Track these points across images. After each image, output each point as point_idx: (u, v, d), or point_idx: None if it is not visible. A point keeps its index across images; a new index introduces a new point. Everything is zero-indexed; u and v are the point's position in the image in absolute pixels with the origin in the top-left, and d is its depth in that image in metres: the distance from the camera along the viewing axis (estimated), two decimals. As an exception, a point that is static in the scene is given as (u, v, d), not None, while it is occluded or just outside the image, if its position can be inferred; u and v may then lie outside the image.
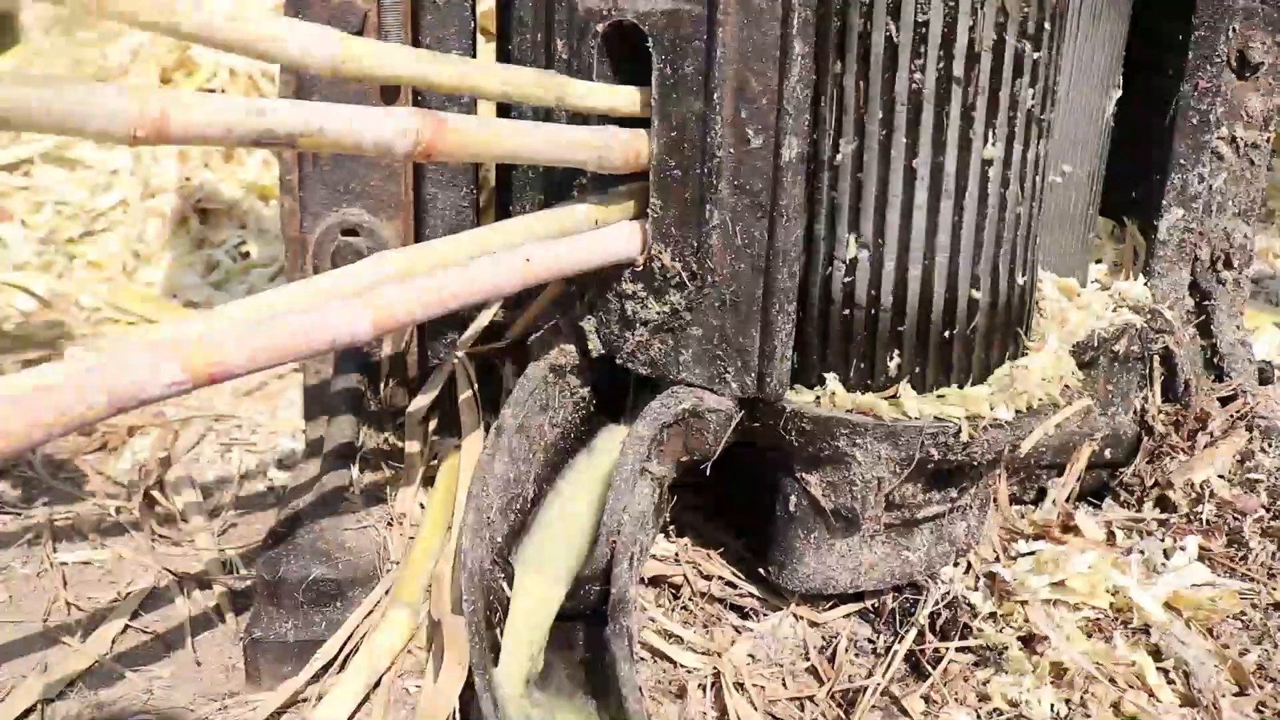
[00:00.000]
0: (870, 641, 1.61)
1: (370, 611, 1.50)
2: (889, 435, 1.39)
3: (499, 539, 1.40)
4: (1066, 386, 1.54)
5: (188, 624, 1.66)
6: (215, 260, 3.06)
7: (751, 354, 1.40)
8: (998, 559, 1.74)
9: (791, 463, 1.48)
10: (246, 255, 3.09)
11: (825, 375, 1.44)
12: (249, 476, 2.11)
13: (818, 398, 1.44)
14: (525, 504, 1.47)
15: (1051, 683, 1.55)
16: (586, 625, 1.39)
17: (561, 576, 1.38)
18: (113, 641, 1.63)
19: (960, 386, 1.45)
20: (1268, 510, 1.84)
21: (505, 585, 1.38)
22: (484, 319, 1.73)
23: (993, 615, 1.64)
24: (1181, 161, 1.96)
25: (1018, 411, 1.44)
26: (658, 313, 1.43)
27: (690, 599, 1.62)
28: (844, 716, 1.46)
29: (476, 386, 1.68)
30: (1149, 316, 1.93)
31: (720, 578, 1.65)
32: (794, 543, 1.52)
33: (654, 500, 1.41)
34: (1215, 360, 2.08)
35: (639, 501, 1.37)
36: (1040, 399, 1.47)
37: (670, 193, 1.40)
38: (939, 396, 1.43)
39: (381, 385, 1.80)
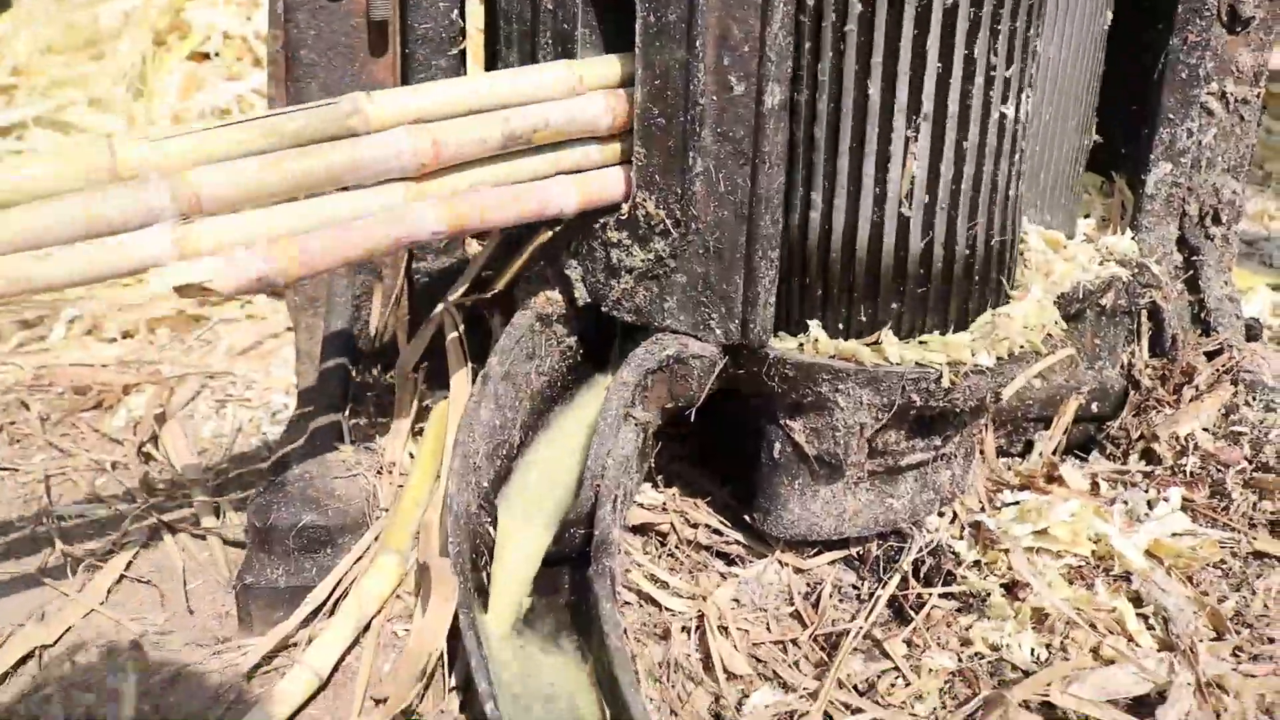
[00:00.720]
0: (854, 588, 1.63)
1: (360, 558, 1.52)
2: (871, 381, 1.41)
3: (485, 484, 1.41)
4: (1049, 335, 1.55)
5: (181, 573, 1.68)
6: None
7: (735, 301, 1.41)
8: (983, 509, 1.76)
9: (775, 409, 1.49)
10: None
11: (809, 322, 1.45)
12: (243, 431, 2.13)
13: (801, 344, 1.45)
14: (511, 450, 1.49)
15: (1032, 628, 1.57)
16: (571, 568, 1.40)
17: (547, 521, 1.40)
18: (108, 591, 1.65)
19: (942, 334, 1.46)
20: (1250, 462, 1.86)
21: (491, 529, 1.40)
22: (472, 269, 1.74)
23: (976, 563, 1.66)
24: (1170, 116, 1.96)
25: (999, 358, 1.45)
26: (642, 260, 1.44)
27: (677, 546, 1.64)
28: (826, 659, 1.48)
29: (464, 337, 1.70)
30: (1135, 270, 1.94)
31: (707, 525, 1.67)
32: (778, 489, 1.54)
33: (638, 445, 1.43)
34: (1202, 315, 2.09)
35: (623, 446, 1.39)
36: (1022, 346, 1.48)
37: (654, 141, 1.40)
38: (921, 343, 1.45)
39: (372, 337, 1.82)
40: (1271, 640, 1.61)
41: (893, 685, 1.46)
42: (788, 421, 1.48)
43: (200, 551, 1.75)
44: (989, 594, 1.60)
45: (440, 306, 1.73)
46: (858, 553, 1.66)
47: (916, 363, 1.41)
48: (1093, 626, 1.58)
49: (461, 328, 1.71)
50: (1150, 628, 1.60)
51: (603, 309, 1.52)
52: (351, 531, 1.54)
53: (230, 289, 1.11)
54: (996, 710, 1.32)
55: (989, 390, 1.46)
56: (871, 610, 1.53)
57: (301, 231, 1.17)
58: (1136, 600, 1.63)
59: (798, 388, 1.43)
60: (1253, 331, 2.27)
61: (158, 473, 1.97)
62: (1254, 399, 1.95)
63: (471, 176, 1.35)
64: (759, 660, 1.46)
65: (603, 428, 1.38)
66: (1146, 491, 1.85)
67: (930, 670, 1.49)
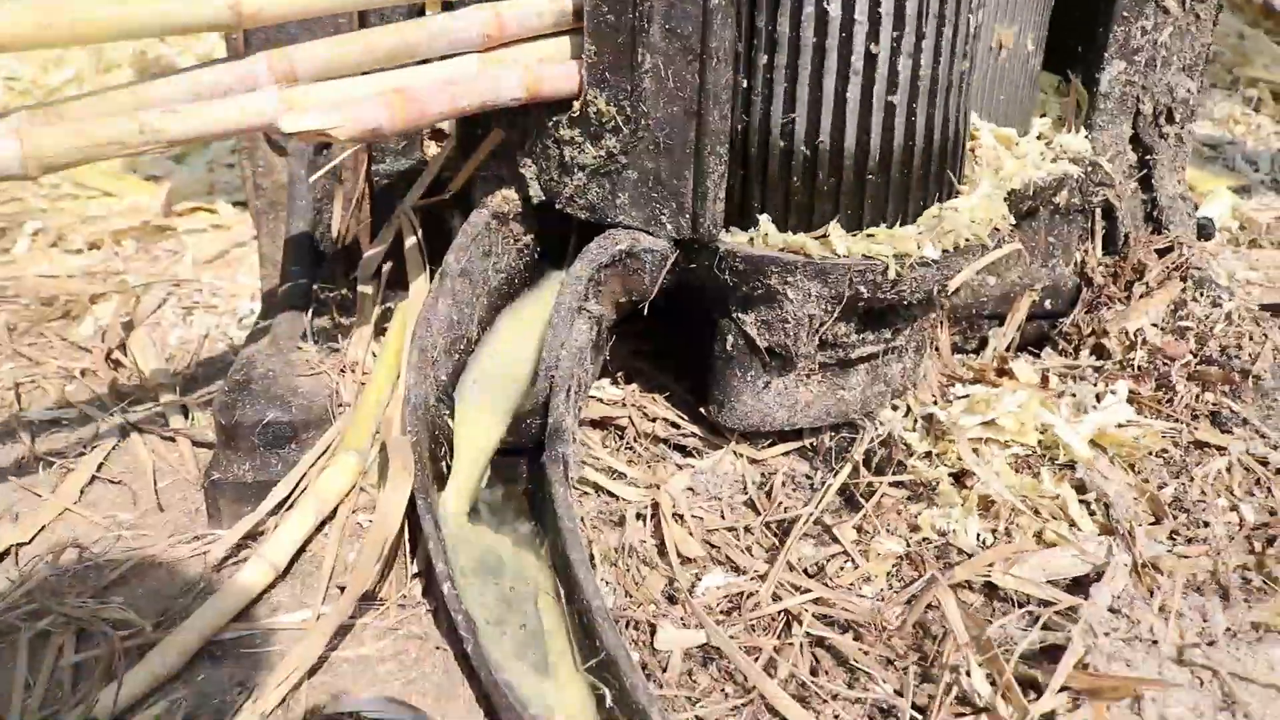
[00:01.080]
0: (807, 477, 1.68)
1: (323, 453, 1.56)
2: (819, 273, 1.44)
3: (443, 377, 1.45)
4: (996, 229, 1.58)
5: (151, 473, 1.72)
6: (175, 133, 3.04)
7: (685, 196, 1.43)
8: (935, 402, 1.80)
9: (728, 303, 1.52)
10: (206, 128, 3.08)
11: (759, 217, 1.48)
12: (210, 337, 2.16)
13: (751, 238, 1.48)
14: (469, 344, 1.52)
15: (979, 514, 1.63)
16: (528, 458, 1.44)
17: (504, 411, 1.44)
18: (81, 491, 1.68)
19: (890, 227, 1.49)
20: (1195, 355, 1.91)
21: (449, 421, 1.44)
22: (430, 171, 1.76)
23: (927, 454, 1.71)
24: (1125, 14, 1.97)
25: (945, 251, 1.48)
26: (594, 157, 1.46)
27: (635, 440, 1.68)
28: (778, 544, 1.53)
29: (424, 238, 1.72)
30: (1089, 169, 1.97)
31: (664, 419, 1.71)
32: (732, 382, 1.58)
33: (591, 337, 1.46)
34: (1155, 213, 2.13)
35: (576, 338, 1.42)
36: (968, 239, 1.51)
37: (604, 38, 1.41)
38: (868, 236, 1.47)
39: (334, 240, 1.83)
40: (1207, 524, 1.67)
41: (841, 568, 1.51)
42: (739, 315, 1.51)
43: (169, 452, 1.78)
44: (938, 482, 1.65)
45: (399, 209, 1.75)
46: (811, 444, 1.71)
47: (863, 255, 1.44)
48: (1036, 512, 1.63)
49: (420, 230, 1.73)
50: (1092, 513, 1.66)
51: (557, 206, 1.54)
52: (315, 428, 1.57)
53: (348, 135, 1.26)
54: (932, 589, 1.37)
55: (935, 282, 1.50)
56: (822, 498, 1.58)
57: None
58: (1080, 488, 1.69)
59: (748, 281, 1.46)
60: (1205, 230, 2.31)
61: (126, 378, 2.00)
62: (1201, 295, 1.99)
63: (528, 51, 1.46)
64: (712, 546, 1.51)
65: (556, 321, 1.41)
66: (1095, 385, 1.90)
67: (878, 554, 1.54)
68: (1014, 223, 1.74)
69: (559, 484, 1.30)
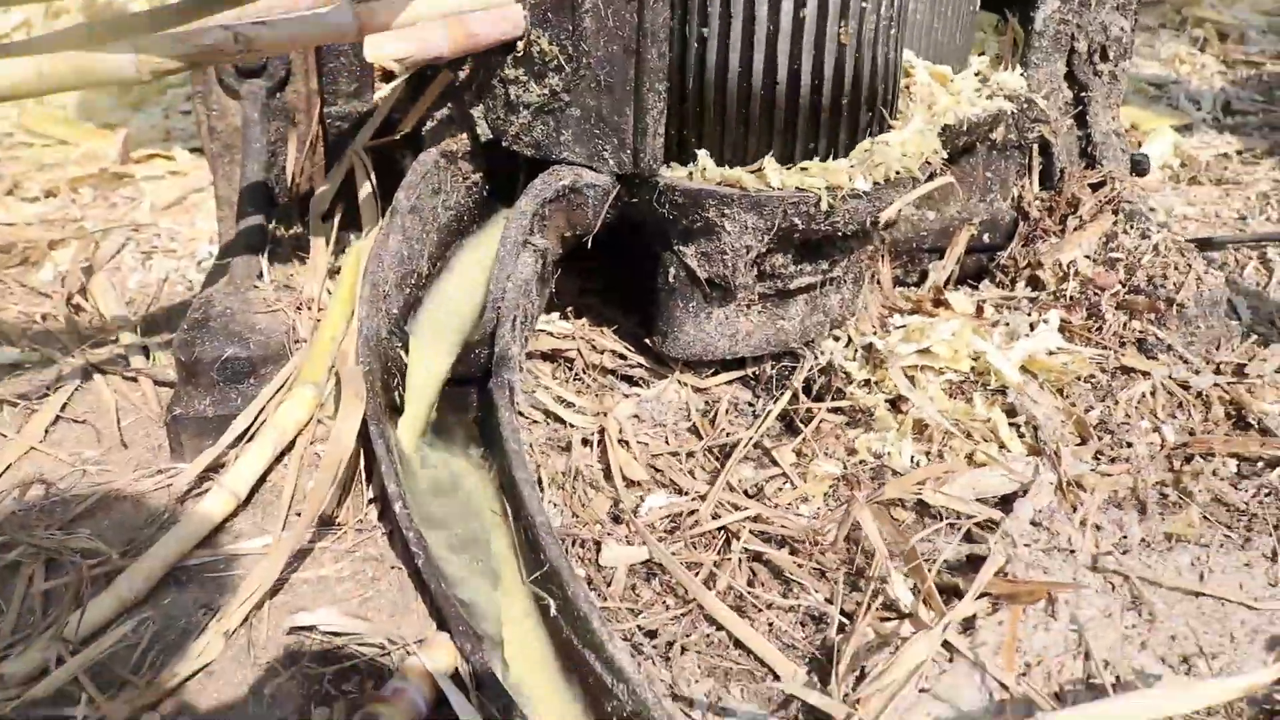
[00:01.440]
0: (749, 405, 1.75)
1: (281, 386, 1.61)
2: (754, 206, 1.50)
3: (394, 310, 1.50)
4: (928, 163, 1.64)
5: (115, 411, 1.76)
6: (130, 80, 3.05)
7: (626, 132, 1.49)
8: (875, 333, 1.87)
9: (669, 237, 1.58)
10: (161, 75, 3.09)
11: (698, 152, 1.53)
12: (169, 281, 2.19)
13: (690, 173, 1.54)
14: (420, 279, 1.57)
15: (913, 438, 1.70)
16: (478, 388, 1.50)
17: (454, 343, 1.49)
18: (45, 431, 1.73)
19: (823, 160, 1.55)
20: (1124, 285, 1.98)
21: (401, 353, 1.49)
22: (381, 113, 1.80)
23: (866, 382, 1.78)
24: (1059, -47, 2.02)
25: (876, 183, 1.54)
26: (538, 95, 1.51)
27: (583, 371, 1.75)
28: (720, 468, 1.60)
29: (375, 179, 1.76)
30: (1024, 105, 2.03)
31: (612, 351, 1.78)
32: (675, 312, 1.64)
33: (537, 270, 1.51)
34: (1089, 149, 2.20)
35: (522, 270, 1.48)
36: (898, 172, 1.57)
37: (546, -22, 1.46)
38: (801, 169, 1.53)
39: (289, 182, 1.87)
40: (1130, 444, 1.75)
41: (780, 489, 1.59)
42: (680, 247, 1.57)
43: (132, 392, 1.82)
44: (875, 408, 1.72)
45: (351, 150, 1.79)
46: (753, 373, 1.77)
47: (797, 188, 1.50)
48: (968, 435, 1.71)
49: (371, 170, 1.77)
50: (1021, 436, 1.74)
51: (504, 144, 1.59)
52: (273, 362, 1.62)
53: (413, 61, 1.39)
54: (855, 506, 1.45)
55: (868, 214, 1.56)
56: (762, 423, 1.65)
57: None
58: (1010, 411, 1.77)
59: (687, 214, 1.52)
60: (1140, 166, 2.38)
61: (87, 322, 2.04)
62: (1131, 227, 2.06)
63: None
64: (656, 469, 1.58)
65: (503, 254, 1.47)
66: (1029, 315, 1.98)
67: (816, 476, 1.62)
68: (948, 157, 1.81)
69: (505, 408, 1.36)
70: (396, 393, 1.47)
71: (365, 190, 1.74)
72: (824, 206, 1.50)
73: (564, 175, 1.51)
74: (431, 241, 1.58)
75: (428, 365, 1.47)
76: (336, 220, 1.82)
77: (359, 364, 1.39)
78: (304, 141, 1.86)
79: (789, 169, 1.53)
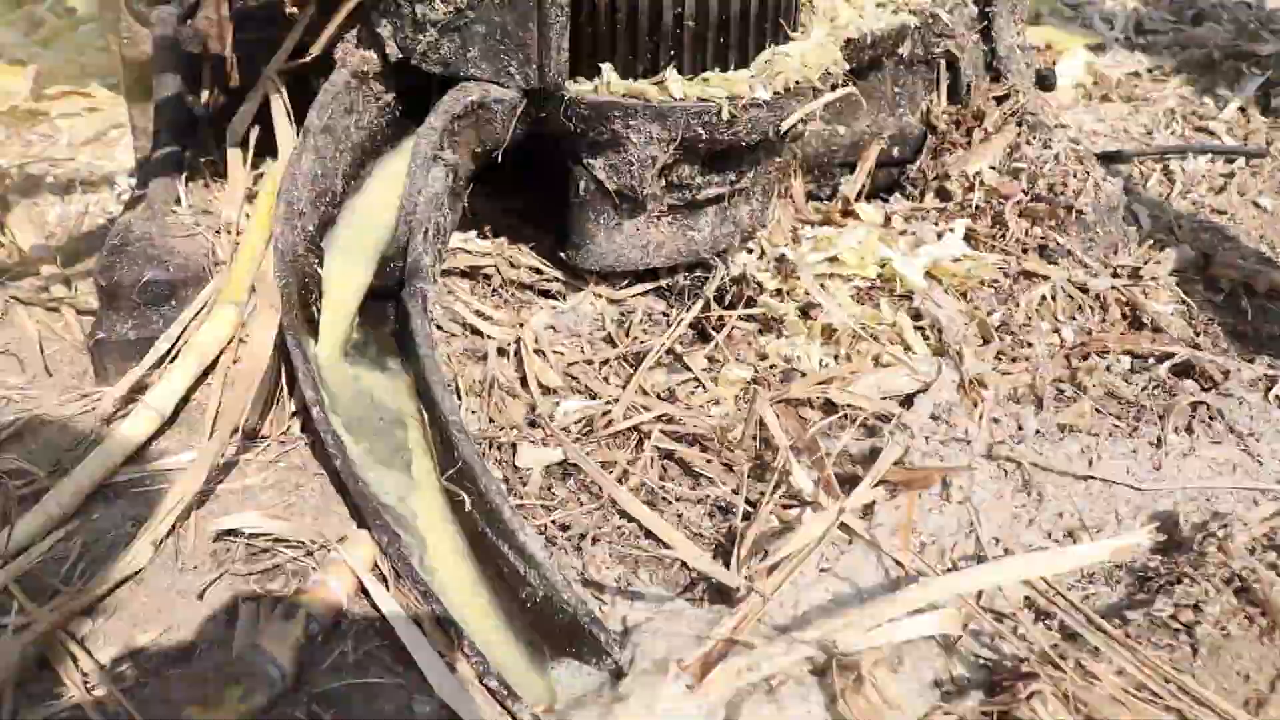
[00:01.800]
0: (664, 314, 1.80)
1: (202, 308, 1.63)
2: (658, 116, 1.54)
3: (310, 228, 1.53)
4: (829, 73, 1.68)
5: (38, 341, 1.78)
6: (39, 17, 3.01)
7: (531, 47, 1.52)
8: (787, 245, 1.93)
9: (578, 151, 1.62)
10: (72, 11, 3.05)
11: (602, 66, 1.57)
12: (89, 213, 2.19)
13: (595, 86, 1.57)
14: (335, 198, 1.60)
15: (822, 342, 1.77)
16: (395, 302, 1.54)
17: (370, 259, 1.53)
18: (-31, 363, 1.74)
19: (724, 71, 1.59)
20: (1026, 194, 2.05)
21: (318, 269, 1.52)
22: (292, 36, 1.80)
23: (778, 291, 1.84)
24: None
25: (776, 93, 1.59)
26: (444, 13, 1.53)
27: (501, 286, 1.79)
28: (634, 374, 1.65)
29: (290, 102, 1.78)
30: (928, 20, 2.08)
31: (530, 267, 1.82)
32: (586, 225, 1.68)
33: (448, 184, 1.55)
34: (994, 64, 2.25)
35: (433, 184, 1.51)
36: (798, 82, 1.61)
37: (447, -106, 1.48)
38: (703, 80, 1.57)
39: (204, 108, 1.88)
40: (1030, 344, 1.83)
41: (692, 392, 1.65)
42: (589, 160, 1.61)
43: (55, 321, 1.83)
44: (786, 315, 1.78)
45: (265, 73, 1.80)
46: (667, 284, 1.82)
47: (699, 98, 1.55)
48: (875, 338, 1.78)
49: (286, 93, 1.78)
50: (926, 339, 1.81)
51: (412, 63, 1.61)
52: (193, 285, 1.64)
53: None
54: (758, 401, 1.51)
55: (769, 124, 1.61)
56: (675, 329, 1.71)
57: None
58: (916, 315, 1.83)
59: (594, 126, 1.56)
60: (1046, 81, 2.44)
61: (6, 255, 2.04)
62: (1034, 138, 2.13)
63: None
64: (572, 377, 1.63)
65: (413, 169, 1.50)
66: (936, 224, 2.05)
67: (728, 380, 1.68)
68: (854, 71, 1.86)
69: (417, 315, 1.40)
70: (314, 307, 1.51)
71: (280, 114, 1.76)
72: (725, 116, 1.54)
73: (472, 91, 1.54)
74: (345, 160, 1.61)
75: (344, 279, 1.51)
76: (253, 145, 1.83)
77: (276, 279, 1.42)
78: (217, 67, 1.86)
79: (690, 80, 1.57)
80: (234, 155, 1.82)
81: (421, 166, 1.49)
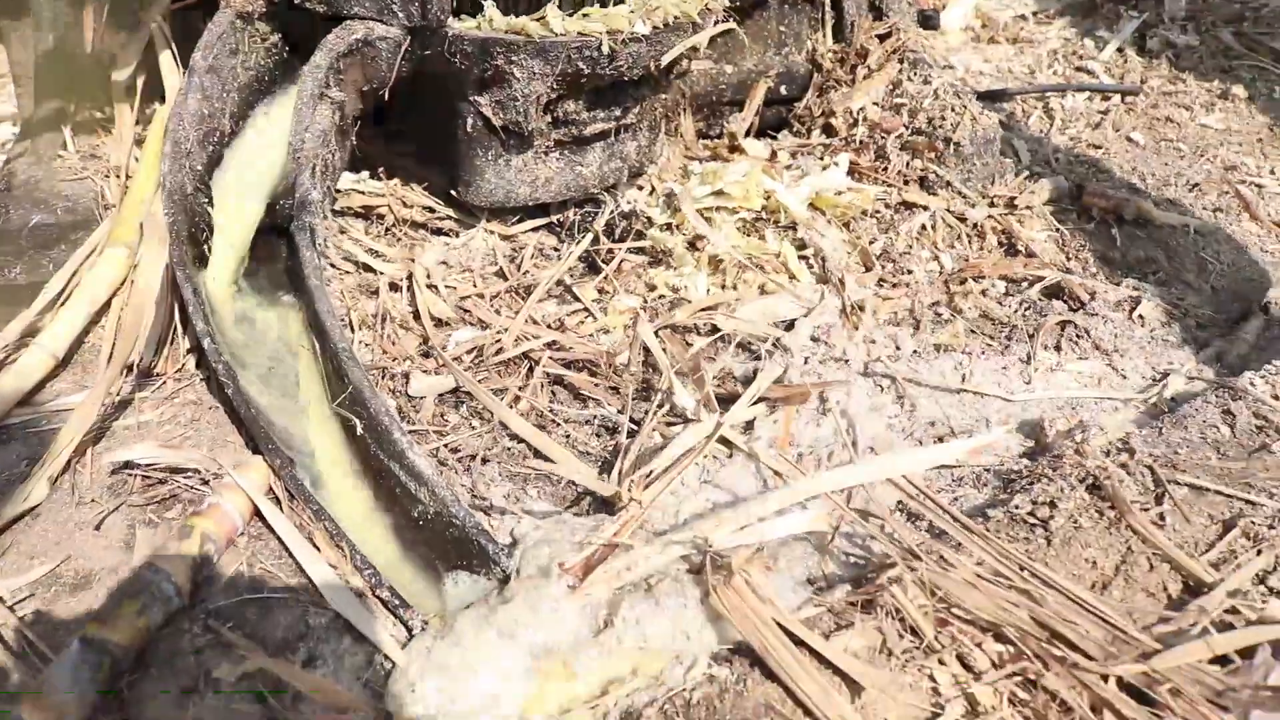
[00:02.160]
0: (555, 249, 1.85)
1: (92, 251, 1.64)
2: (540, 52, 1.57)
3: (199, 167, 1.55)
4: (709, 9, 1.73)
5: (-77, 292, 1.77)
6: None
7: (413, -16, 1.54)
8: (676, 181, 1.98)
9: (465, 88, 1.65)
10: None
11: (484, 2, 1.60)
12: (-24, 164, 2.17)
13: (479, 24, 1.60)
14: (223, 137, 1.61)
15: (709, 273, 1.83)
16: (286, 237, 1.56)
17: (259, 196, 1.55)
18: None
19: (603, 6, 1.63)
20: (907, 128, 2.13)
21: (208, 207, 1.54)
22: (176, -21, 1.81)
23: (667, 225, 1.89)
24: None
25: (655, 28, 1.63)
26: (325, -49, 1.55)
27: (395, 225, 1.82)
28: (525, 305, 1.70)
29: (176, 46, 1.78)
30: (811, -40, 2.14)
31: (423, 206, 1.85)
32: (475, 161, 1.72)
33: (335, 122, 1.57)
34: (877, 3, 2.32)
35: (319, 121, 1.54)
36: (676, 17, 1.66)
37: None
38: (583, 15, 1.61)
39: (88, 51, 1.87)
40: (910, 271, 1.91)
41: (581, 322, 1.70)
42: (475, 97, 1.65)
43: (-59, 273, 1.82)
44: (674, 248, 1.84)
45: (149, 16, 1.80)
46: (558, 219, 1.87)
47: (579, 33, 1.59)
48: (760, 268, 1.84)
49: (171, 37, 1.78)
50: (810, 267, 1.88)
51: (296, 2, 1.62)
52: (83, 228, 1.65)
53: None
54: (639, 325, 1.57)
55: (650, 58, 1.65)
56: (565, 262, 1.76)
57: None
58: (800, 245, 1.90)
59: (478, 63, 1.59)
60: (930, 21, 2.52)
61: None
62: (915, 74, 2.20)
63: None
64: (464, 310, 1.68)
65: (299, 106, 1.52)
66: (822, 159, 2.11)
67: (617, 310, 1.73)
68: (737, 9, 1.91)
69: (306, 248, 1.43)
70: (205, 245, 1.53)
71: (166, 57, 1.76)
72: (606, 50, 1.58)
73: (356, 29, 1.56)
74: (232, 101, 1.62)
75: (234, 217, 1.53)
76: (140, 89, 1.83)
77: (165, 217, 1.44)
78: (101, 11, 1.85)
79: (571, 16, 1.60)
80: (120, 99, 1.82)
81: (308, 104, 1.52)
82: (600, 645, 1.10)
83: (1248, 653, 1.14)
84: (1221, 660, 1.14)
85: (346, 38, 1.56)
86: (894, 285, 1.89)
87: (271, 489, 1.31)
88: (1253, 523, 1.36)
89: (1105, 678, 1.10)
